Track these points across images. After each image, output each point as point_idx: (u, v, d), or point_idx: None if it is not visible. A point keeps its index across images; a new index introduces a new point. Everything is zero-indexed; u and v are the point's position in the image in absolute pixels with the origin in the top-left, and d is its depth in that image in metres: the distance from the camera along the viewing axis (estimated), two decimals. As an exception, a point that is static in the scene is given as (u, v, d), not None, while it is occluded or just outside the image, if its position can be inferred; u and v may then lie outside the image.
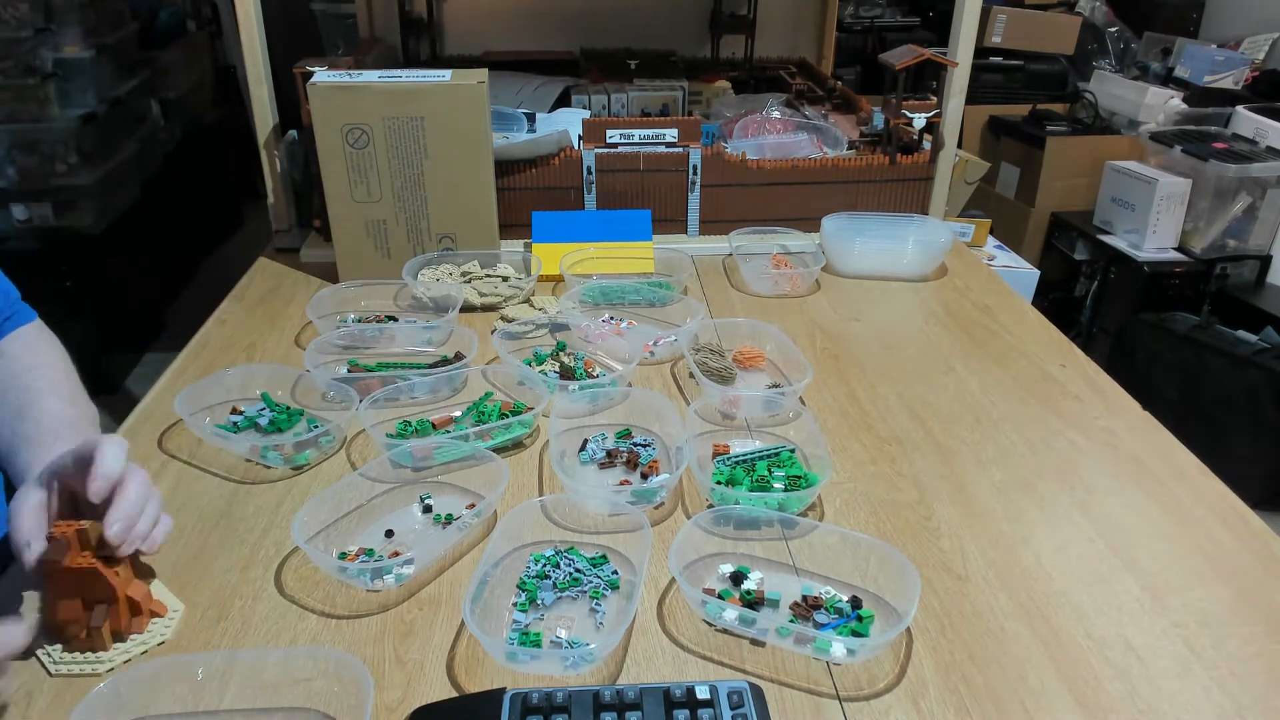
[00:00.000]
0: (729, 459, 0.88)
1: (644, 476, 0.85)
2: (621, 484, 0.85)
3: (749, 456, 0.88)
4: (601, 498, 0.82)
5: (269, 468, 0.87)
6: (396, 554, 0.75)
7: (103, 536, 0.65)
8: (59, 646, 0.66)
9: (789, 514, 0.80)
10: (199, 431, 0.89)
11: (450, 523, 0.79)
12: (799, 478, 0.84)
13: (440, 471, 0.86)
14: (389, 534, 0.78)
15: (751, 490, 0.82)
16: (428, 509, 0.82)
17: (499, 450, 0.89)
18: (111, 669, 0.65)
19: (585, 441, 0.91)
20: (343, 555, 0.76)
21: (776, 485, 0.83)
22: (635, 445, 0.90)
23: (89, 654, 0.66)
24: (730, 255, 1.35)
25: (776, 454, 0.88)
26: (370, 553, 0.76)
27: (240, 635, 0.68)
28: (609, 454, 0.88)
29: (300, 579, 0.74)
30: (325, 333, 1.08)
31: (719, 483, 0.83)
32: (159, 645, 0.67)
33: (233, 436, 0.90)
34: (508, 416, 0.93)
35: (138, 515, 0.67)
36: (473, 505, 0.81)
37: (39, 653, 0.66)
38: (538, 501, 0.81)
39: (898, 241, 1.32)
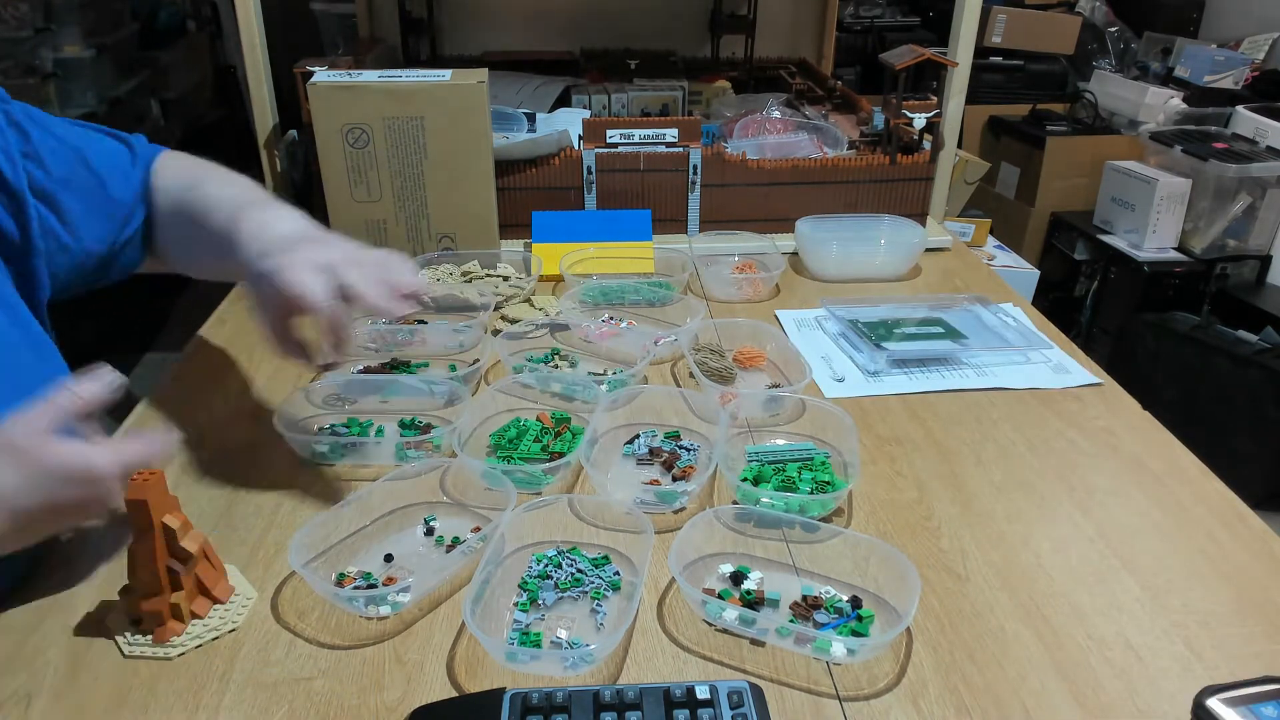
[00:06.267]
0: (760, 452, 0.87)
1: (675, 480, 0.85)
2: (651, 483, 0.85)
3: (781, 456, 0.88)
4: (622, 496, 0.82)
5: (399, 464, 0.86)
6: (392, 580, 0.72)
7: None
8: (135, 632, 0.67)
9: (809, 518, 0.79)
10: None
11: (455, 546, 0.77)
12: (826, 483, 0.83)
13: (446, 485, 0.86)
14: (388, 559, 0.76)
15: (777, 491, 0.82)
16: (429, 531, 0.79)
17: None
18: (183, 653, 0.66)
19: (637, 435, 0.91)
20: (341, 576, 0.73)
21: (804, 489, 0.82)
22: (680, 447, 0.90)
23: (165, 639, 0.66)
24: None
25: (810, 458, 0.88)
26: (368, 576, 0.73)
27: (240, 635, 0.68)
28: (651, 451, 0.89)
29: (301, 579, 0.73)
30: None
31: (744, 480, 0.83)
32: (230, 632, 0.68)
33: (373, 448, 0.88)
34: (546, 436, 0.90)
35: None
36: (478, 529, 0.79)
37: (117, 637, 0.67)
38: (540, 502, 0.81)
39: (872, 244, 1.31)
